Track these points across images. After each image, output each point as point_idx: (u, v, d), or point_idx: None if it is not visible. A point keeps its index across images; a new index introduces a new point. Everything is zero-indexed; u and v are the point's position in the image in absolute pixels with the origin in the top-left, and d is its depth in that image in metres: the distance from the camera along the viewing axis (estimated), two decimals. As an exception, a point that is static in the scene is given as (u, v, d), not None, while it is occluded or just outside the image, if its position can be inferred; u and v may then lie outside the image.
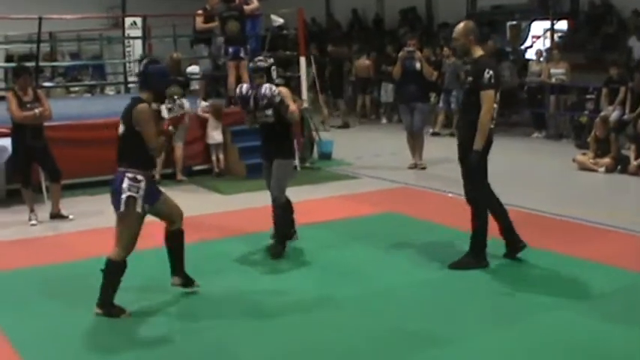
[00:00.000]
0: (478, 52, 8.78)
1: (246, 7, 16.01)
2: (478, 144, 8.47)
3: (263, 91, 9.17)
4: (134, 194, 7.46)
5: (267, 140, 9.69)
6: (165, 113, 7.95)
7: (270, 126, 9.49)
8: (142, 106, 7.49)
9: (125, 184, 7.46)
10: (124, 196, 7.46)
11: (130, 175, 7.47)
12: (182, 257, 8.15)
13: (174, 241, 8.13)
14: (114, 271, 7.61)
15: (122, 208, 7.50)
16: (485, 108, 8.41)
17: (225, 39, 15.82)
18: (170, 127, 7.92)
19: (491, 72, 8.46)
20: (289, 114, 9.40)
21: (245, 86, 9.64)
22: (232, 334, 7.16)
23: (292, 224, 9.86)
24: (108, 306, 7.59)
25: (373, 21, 30.41)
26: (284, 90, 9.52)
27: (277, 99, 9.17)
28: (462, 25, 8.83)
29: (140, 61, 8.53)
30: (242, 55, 15.68)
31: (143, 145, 7.53)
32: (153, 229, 8.21)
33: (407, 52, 15.16)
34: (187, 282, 8.22)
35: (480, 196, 8.81)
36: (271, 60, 9.64)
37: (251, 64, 9.62)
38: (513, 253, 9.03)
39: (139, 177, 7.50)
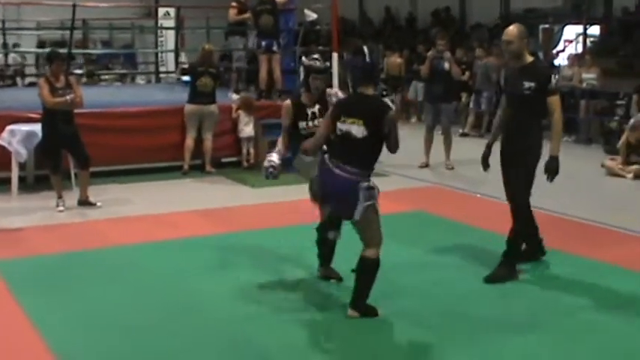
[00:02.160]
0: (529, 56, 8.63)
1: (278, 1, 16.03)
2: (555, 150, 8.35)
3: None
4: (374, 202, 7.03)
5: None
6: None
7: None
8: (394, 111, 7.01)
9: (362, 195, 6.93)
10: (361, 206, 6.95)
11: (364, 184, 6.96)
12: None
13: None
14: (372, 270, 7.22)
15: (358, 216, 6.98)
16: (557, 113, 8.31)
17: (258, 32, 15.84)
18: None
19: (556, 76, 8.33)
20: None
21: (275, 157, 8.30)
22: (257, 327, 7.16)
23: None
24: (363, 306, 7.27)
25: (406, 20, 30.39)
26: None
27: None
28: (515, 28, 8.52)
29: (355, 51, 7.97)
30: (274, 48, 15.72)
31: (380, 149, 7.11)
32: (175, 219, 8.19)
33: (436, 52, 15.15)
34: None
35: (526, 204, 8.66)
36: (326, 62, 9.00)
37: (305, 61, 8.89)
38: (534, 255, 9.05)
39: (372, 185, 7.05)
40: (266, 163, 8.15)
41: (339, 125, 6.99)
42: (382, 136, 6.97)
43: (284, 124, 8.35)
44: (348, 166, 6.90)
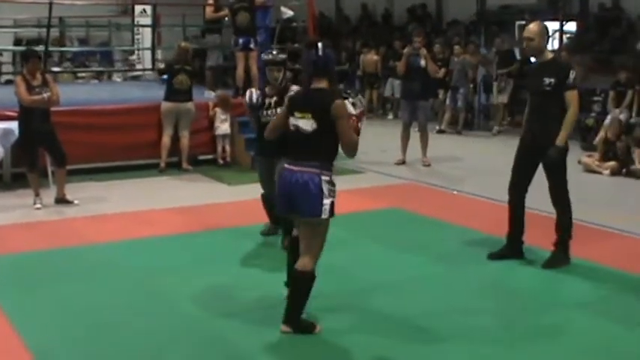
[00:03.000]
0: (549, 53, 8.90)
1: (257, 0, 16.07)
2: (562, 140, 8.54)
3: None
4: (334, 199, 6.78)
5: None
6: (351, 109, 7.50)
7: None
8: (341, 100, 6.84)
9: (325, 189, 6.71)
10: (327, 201, 6.70)
11: (325, 177, 6.76)
12: None
13: None
14: (306, 283, 6.87)
15: (326, 214, 6.73)
16: (574, 107, 8.53)
17: (235, 30, 15.84)
18: (359, 124, 7.46)
19: (575, 72, 8.63)
20: None
21: (255, 94, 9.07)
22: (232, 325, 7.18)
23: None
24: (297, 322, 6.95)
25: (382, 16, 30.42)
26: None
27: None
28: (536, 25, 8.79)
29: (309, 45, 7.95)
30: (252, 46, 15.72)
31: (336, 143, 6.85)
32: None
33: (412, 49, 15.18)
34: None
35: (562, 193, 8.89)
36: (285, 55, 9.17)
37: (263, 55, 9.20)
38: (512, 253, 9.15)
39: (333, 181, 6.82)
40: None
41: (291, 120, 6.89)
42: (335, 130, 6.78)
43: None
44: (305, 161, 6.75)
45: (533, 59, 9.42)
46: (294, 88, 8.65)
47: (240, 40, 15.65)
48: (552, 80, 8.53)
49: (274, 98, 8.74)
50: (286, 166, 6.85)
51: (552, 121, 8.59)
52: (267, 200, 9.49)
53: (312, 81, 6.94)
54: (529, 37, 8.73)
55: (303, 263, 6.83)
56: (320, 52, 6.95)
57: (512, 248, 9.13)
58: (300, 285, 6.88)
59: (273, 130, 7.22)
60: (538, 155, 8.74)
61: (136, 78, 22.44)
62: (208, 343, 6.81)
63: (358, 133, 7.05)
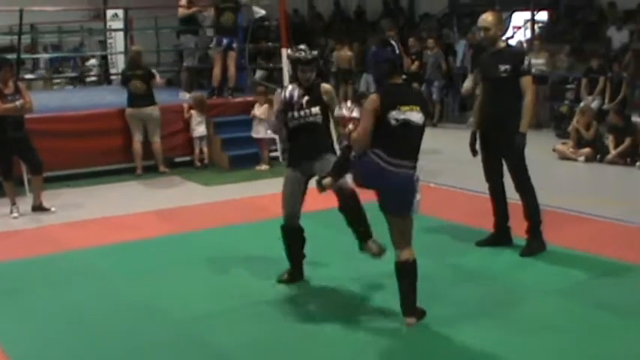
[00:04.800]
0: (502, 42, 9.01)
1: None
2: (525, 127, 8.65)
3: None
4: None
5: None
6: (356, 112, 7.38)
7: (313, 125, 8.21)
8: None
9: (417, 187, 6.79)
10: (419, 197, 6.80)
11: (416, 176, 6.84)
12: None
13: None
14: (415, 270, 6.93)
15: (418, 212, 6.87)
16: (531, 92, 8.68)
17: (218, 29, 15.84)
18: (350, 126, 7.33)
19: (529, 59, 8.83)
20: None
21: (297, 91, 8.11)
22: (214, 326, 7.20)
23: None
24: (415, 309, 6.98)
25: (355, 13, 30.45)
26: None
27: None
28: (492, 15, 8.90)
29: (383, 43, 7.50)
30: (234, 46, 15.75)
31: None
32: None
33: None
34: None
35: (526, 180, 8.95)
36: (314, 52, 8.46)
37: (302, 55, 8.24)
38: (500, 241, 9.25)
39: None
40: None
41: (394, 115, 6.69)
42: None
43: (275, 108, 8.29)
44: (407, 160, 6.74)
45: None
46: (326, 86, 8.29)
47: (225, 41, 15.65)
48: (508, 67, 8.63)
49: (306, 97, 8.13)
50: (394, 167, 6.72)
51: (508, 107, 8.70)
52: (290, 233, 8.36)
53: (390, 79, 6.93)
54: (486, 26, 8.83)
55: (409, 253, 6.91)
56: (397, 50, 6.98)
57: (498, 235, 9.24)
58: (413, 273, 6.90)
59: (364, 137, 6.79)
60: (496, 142, 8.87)
61: (110, 82, 22.37)
62: (191, 346, 6.82)
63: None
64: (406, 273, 6.91)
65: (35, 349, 6.88)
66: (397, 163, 6.69)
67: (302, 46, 8.31)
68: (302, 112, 8.07)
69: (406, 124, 6.71)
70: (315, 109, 8.04)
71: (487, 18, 8.85)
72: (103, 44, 23.50)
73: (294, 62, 8.20)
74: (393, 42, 7.04)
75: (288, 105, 8.07)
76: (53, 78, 25.39)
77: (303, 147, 8.13)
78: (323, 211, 8.91)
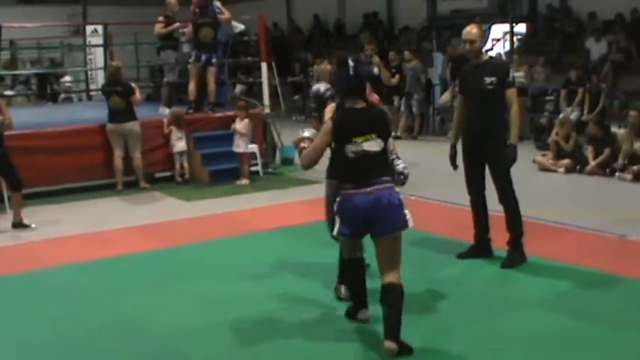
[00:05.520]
0: (484, 54, 9.09)
1: (221, 17, 16.12)
2: (515, 138, 8.78)
3: None
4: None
5: None
6: (307, 132, 7.27)
7: None
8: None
9: (403, 200, 6.73)
10: (407, 211, 6.74)
11: (399, 190, 6.82)
12: None
13: None
14: (403, 295, 6.70)
15: (411, 224, 6.77)
16: (516, 104, 8.74)
17: (197, 45, 15.84)
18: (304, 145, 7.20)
19: (513, 71, 8.87)
20: None
21: (323, 86, 8.26)
22: (194, 341, 7.18)
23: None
24: (399, 337, 6.65)
25: (334, 26, 30.51)
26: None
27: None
28: (475, 28, 8.92)
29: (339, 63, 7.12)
30: (213, 61, 15.74)
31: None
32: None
33: (365, 57, 15.24)
34: None
35: (511, 191, 9.02)
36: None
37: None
38: (480, 253, 9.27)
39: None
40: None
41: (350, 148, 6.64)
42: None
43: None
44: (378, 178, 6.66)
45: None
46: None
47: (204, 57, 15.65)
48: (494, 79, 8.68)
49: None
50: (354, 191, 6.65)
51: (494, 119, 8.77)
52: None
53: (347, 101, 6.82)
54: (472, 39, 8.86)
55: (395, 277, 6.70)
56: (351, 71, 6.82)
57: (479, 247, 9.27)
58: (400, 299, 6.67)
59: (314, 153, 6.83)
60: (482, 154, 8.90)
61: (90, 98, 22.32)
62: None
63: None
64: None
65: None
66: (363, 189, 6.64)
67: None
68: None
69: (365, 154, 6.65)
70: None
71: (472, 30, 8.88)
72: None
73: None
74: (350, 61, 6.86)
75: (317, 97, 8.20)
76: (34, 94, 25.33)
77: None
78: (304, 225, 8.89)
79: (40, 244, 10.95)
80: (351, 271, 7.42)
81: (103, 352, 7.04)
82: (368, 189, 6.60)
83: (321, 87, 8.19)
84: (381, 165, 6.73)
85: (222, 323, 7.53)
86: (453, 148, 9.23)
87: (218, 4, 16.33)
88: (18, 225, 11.75)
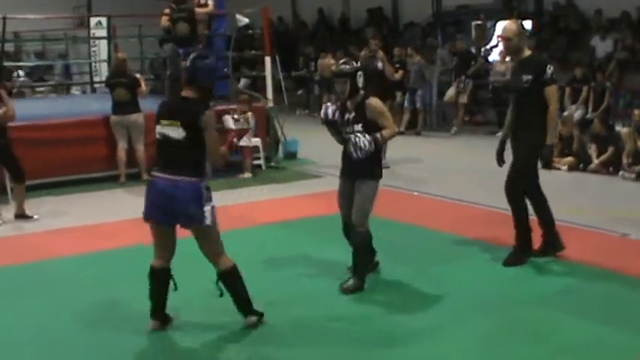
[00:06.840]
0: (527, 51, 8.89)
1: (198, 10, 16.12)
2: (551, 138, 8.73)
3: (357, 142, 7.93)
4: (214, 203, 6.96)
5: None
6: (230, 123, 7.36)
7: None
8: (210, 111, 6.98)
9: (204, 195, 6.85)
10: (207, 207, 6.88)
11: (203, 184, 6.88)
12: None
13: None
14: (238, 278, 7.23)
15: (208, 221, 6.95)
16: (553, 102, 8.58)
17: (174, 39, 15.87)
18: (235, 139, 7.30)
19: (552, 67, 8.67)
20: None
21: (330, 109, 8.32)
22: (189, 336, 7.18)
23: (373, 254, 8.66)
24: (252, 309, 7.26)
25: (339, 21, 30.48)
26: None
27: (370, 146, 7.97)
28: (513, 24, 8.79)
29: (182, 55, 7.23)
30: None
31: (204, 151, 6.95)
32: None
33: (369, 52, 15.22)
34: None
35: (537, 190, 9.10)
36: (357, 64, 8.41)
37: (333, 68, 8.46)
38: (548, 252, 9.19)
39: (208, 186, 6.96)
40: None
41: (158, 128, 6.97)
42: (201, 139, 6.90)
43: None
44: (169, 170, 6.89)
45: (508, 58, 9.41)
46: (372, 102, 8.12)
47: (181, 51, 15.63)
48: (529, 77, 8.55)
49: (352, 114, 8.08)
50: (159, 174, 6.92)
51: (531, 117, 8.64)
52: (345, 232, 8.58)
53: (183, 89, 7.06)
54: (507, 37, 8.72)
55: (223, 265, 7.25)
56: (189, 63, 7.04)
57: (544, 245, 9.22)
58: (236, 283, 7.20)
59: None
60: (515, 150, 8.86)
61: (94, 90, 22.31)
62: (170, 354, 6.81)
63: (235, 148, 7.03)
64: (235, 279, 7.16)
65: (11, 357, 6.88)
66: (160, 175, 6.93)
67: (345, 59, 8.35)
68: (347, 129, 8.13)
69: (165, 138, 6.86)
70: (358, 127, 8.00)
71: (509, 27, 8.74)
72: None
73: (333, 74, 8.34)
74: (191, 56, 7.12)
75: (327, 122, 8.25)
76: (38, 86, 25.32)
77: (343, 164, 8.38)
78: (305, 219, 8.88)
79: (43, 235, 10.96)
80: None
81: (101, 345, 7.06)
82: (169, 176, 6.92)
83: (329, 111, 8.34)
84: (183, 158, 6.88)
85: (217, 317, 7.55)
86: (503, 143, 9.12)
87: None
88: (20, 216, 11.76)
